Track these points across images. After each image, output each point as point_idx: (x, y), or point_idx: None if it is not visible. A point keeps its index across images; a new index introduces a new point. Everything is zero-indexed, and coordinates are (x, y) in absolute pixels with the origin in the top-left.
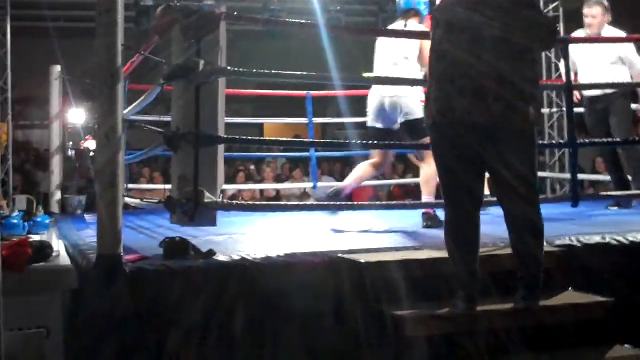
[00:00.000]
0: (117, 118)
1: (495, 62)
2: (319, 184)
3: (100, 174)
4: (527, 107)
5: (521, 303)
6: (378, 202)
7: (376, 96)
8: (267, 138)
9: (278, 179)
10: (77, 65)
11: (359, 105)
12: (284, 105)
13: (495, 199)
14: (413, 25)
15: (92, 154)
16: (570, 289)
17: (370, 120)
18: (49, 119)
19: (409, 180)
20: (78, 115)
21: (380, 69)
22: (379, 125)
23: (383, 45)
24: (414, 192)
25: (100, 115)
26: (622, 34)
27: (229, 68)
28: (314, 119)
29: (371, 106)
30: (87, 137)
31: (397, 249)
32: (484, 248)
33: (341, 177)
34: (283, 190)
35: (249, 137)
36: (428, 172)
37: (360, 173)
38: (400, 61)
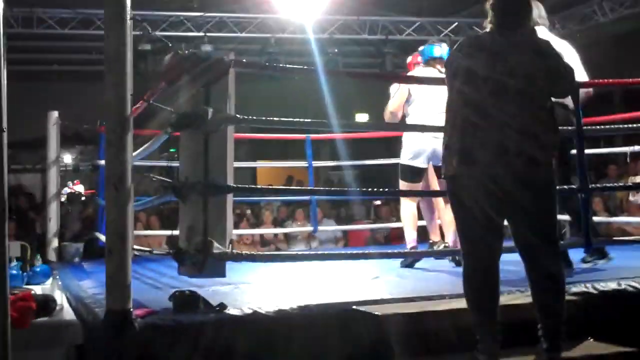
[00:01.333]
0: (126, 168)
1: (517, 113)
2: (320, 227)
3: (110, 226)
4: (550, 158)
5: (544, 355)
6: (405, 251)
7: (428, 138)
8: (277, 187)
9: (275, 222)
10: (69, 109)
11: (354, 147)
12: (277, 147)
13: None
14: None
15: (82, 198)
16: (590, 338)
17: (414, 159)
18: (41, 162)
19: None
20: (68, 158)
21: (426, 116)
22: (423, 166)
23: (424, 94)
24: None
25: (108, 165)
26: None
27: (238, 116)
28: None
29: (419, 147)
30: (75, 181)
31: (410, 299)
32: (503, 296)
33: (339, 220)
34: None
35: (259, 186)
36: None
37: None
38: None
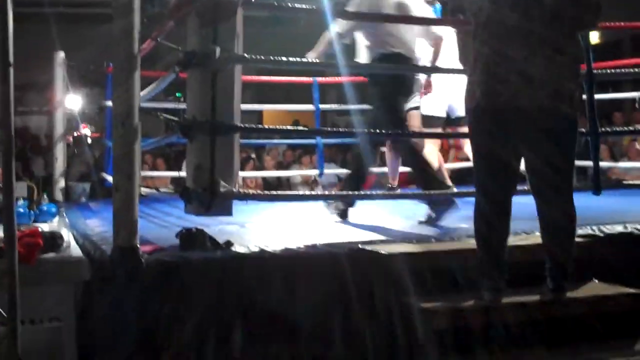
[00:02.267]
0: (134, 106)
1: (544, 42)
2: (325, 170)
3: (117, 163)
4: (574, 92)
5: (549, 294)
6: (406, 192)
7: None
8: (285, 127)
9: (279, 166)
10: (75, 51)
11: (359, 92)
12: (282, 92)
13: (526, 187)
14: None
15: (89, 140)
16: (594, 280)
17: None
18: (48, 104)
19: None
20: (75, 102)
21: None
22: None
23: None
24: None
25: (116, 104)
26: None
27: (246, 55)
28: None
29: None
30: (82, 125)
31: (416, 240)
32: (510, 237)
33: (344, 165)
34: (289, 179)
35: (266, 126)
36: None
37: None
38: None
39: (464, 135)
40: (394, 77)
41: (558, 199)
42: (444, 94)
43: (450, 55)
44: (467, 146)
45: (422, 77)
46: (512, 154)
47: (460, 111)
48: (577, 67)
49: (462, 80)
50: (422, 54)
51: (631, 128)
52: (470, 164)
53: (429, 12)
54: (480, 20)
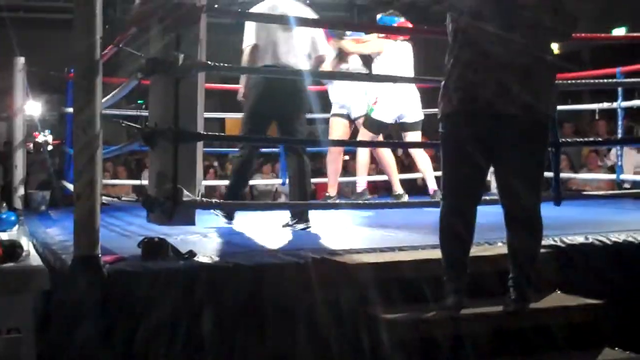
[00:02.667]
0: (95, 112)
1: (522, 52)
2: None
3: (78, 171)
4: (550, 100)
5: (512, 305)
6: (359, 201)
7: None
8: (248, 135)
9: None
10: (35, 57)
11: (321, 100)
12: None
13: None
14: None
15: (49, 147)
16: (557, 291)
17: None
18: (7, 111)
19: (377, 177)
20: (34, 108)
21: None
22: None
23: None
24: (382, 188)
25: (77, 110)
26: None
27: (209, 62)
28: None
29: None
30: (35, 134)
31: (381, 249)
32: (473, 248)
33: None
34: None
35: (227, 134)
36: None
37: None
38: None
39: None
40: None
41: (527, 205)
42: (395, 102)
43: (401, 65)
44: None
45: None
46: (484, 162)
47: (409, 118)
48: (554, 76)
49: (412, 89)
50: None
51: (591, 139)
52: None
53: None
54: (459, 25)
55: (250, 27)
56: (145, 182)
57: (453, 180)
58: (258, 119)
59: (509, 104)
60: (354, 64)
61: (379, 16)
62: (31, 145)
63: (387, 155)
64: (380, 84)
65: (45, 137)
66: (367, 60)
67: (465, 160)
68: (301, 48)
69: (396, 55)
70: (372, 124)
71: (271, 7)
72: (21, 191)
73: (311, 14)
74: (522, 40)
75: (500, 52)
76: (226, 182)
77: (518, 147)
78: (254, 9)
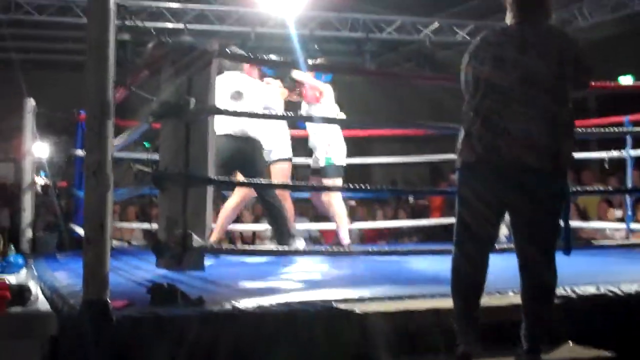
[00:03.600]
0: (106, 155)
1: (545, 102)
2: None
3: (88, 214)
4: (570, 151)
5: (523, 357)
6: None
7: None
8: (258, 181)
9: (256, 220)
10: (42, 98)
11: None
12: None
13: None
14: None
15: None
16: (569, 342)
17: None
18: (16, 153)
19: (381, 223)
20: (42, 150)
21: None
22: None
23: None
24: (388, 234)
25: (88, 152)
26: None
27: (220, 107)
28: None
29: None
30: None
31: (390, 298)
32: (483, 298)
33: (315, 220)
34: (259, 231)
35: (241, 180)
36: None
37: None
38: None
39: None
40: None
41: (543, 259)
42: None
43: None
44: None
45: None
46: (500, 210)
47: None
48: (573, 127)
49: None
50: None
51: (601, 188)
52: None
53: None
54: (479, 73)
55: None
56: (155, 225)
57: (468, 227)
58: None
59: (534, 155)
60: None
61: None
62: (39, 188)
63: (340, 203)
64: (330, 129)
65: (44, 179)
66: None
67: (483, 209)
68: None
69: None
70: (335, 171)
71: None
72: (29, 234)
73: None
74: (546, 90)
75: (524, 101)
76: (237, 227)
77: (538, 198)
78: None
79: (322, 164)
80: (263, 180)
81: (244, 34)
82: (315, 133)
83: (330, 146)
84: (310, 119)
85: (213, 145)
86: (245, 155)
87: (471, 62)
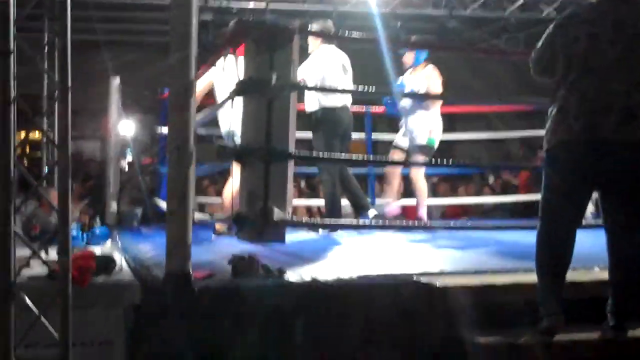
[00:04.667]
0: (189, 131)
1: None
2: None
3: (171, 189)
4: None
5: (610, 332)
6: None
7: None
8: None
9: None
10: (127, 77)
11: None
12: None
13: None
14: None
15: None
16: None
17: None
18: (102, 130)
19: (465, 200)
20: (128, 128)
21: None
22: None
23: None
24: (470, 211)
25: (172, 128)
26: None
27: (301, 83)
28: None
29: None
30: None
31: (473, 272)
32: (569, 272)
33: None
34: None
35: (320, 154)
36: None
37: None
38: None
39: None
40: None
41: (634, 236)
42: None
43: None
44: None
45: None
46: (593, 187)
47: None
48: None
49: None
50: None
51: None
52: None
53: None
54: (575, 51)
55: None
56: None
57: (559, 205)
58: None
59: (634, 131)
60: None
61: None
62: (125, 164)
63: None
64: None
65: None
66: None
67: (577, 187)
68: None
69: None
70: (429, 151)
71: None
72: (114, 207)
73: None
74: None
75: (623, 77)
76: (316, 201)
77: (634, 175)
78: None
79: (422, 142)
80: (344, 155)
81: (326, 13)
82: (416, 112)
83: (434, 126)
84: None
85: (294, 120)
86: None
87: (559, 39)
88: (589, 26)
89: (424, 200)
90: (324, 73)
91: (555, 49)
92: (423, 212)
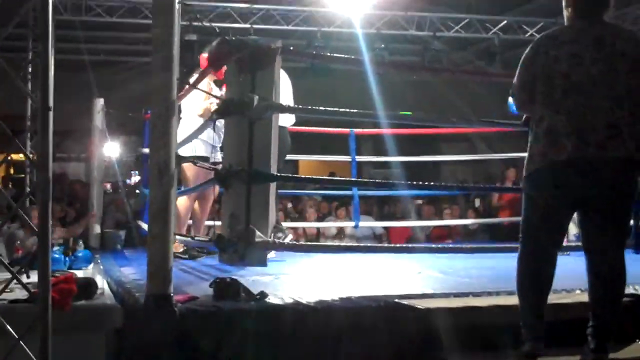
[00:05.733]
0: (171, 152)
1: (626, 95)
2: (361, 223)
3: (153, 211)
4: None
5: (590, 355)
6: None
7: None
8: (321, 177)
9: (319, 218)
10: (112, 98)
11: (398, 143)
12: (319, 143)
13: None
14: None
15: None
16: (638, 341)
17: None
18: (87, 151)
19: (450, 222)
20: (113, 149)
21: None
22: None
23: None
24: (455, 233)
25: (153, 149)
26: None
27: (283, 104)
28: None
29: None
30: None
31: (454, 295)
32: (551, 295)
33: (381, 218)
34: (322, 229)
35: (299, 175)
36: None
37: None
38: None
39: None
40: None
41: (614, 255)
42: None
43: None
44: None
45: None
46: (573, 210)
47: None
48: None
49: None
50: None
51: None
52: None
53: None
54: (559, 70)
55: None
56: (218, 222)
57: (540, 226)
58: None
59: (622, 148)
60: None
61: None
62: (109, 186)
63: None
64: None
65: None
66: None
67: (560, 208)
68: None
69: None
70: None
71: None
72: (97, 230)
73: None
74: (625, 85)
75: (605, 94)
76: (300, 224)
77: (620, 191)
78: None
79: None
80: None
81: (311, 33)
82: None
83: None
84: None
85: (276, 142)
86: None
87: (540, 61)
88: (569, 46)
89: None
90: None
91: (536, 71)
92: None
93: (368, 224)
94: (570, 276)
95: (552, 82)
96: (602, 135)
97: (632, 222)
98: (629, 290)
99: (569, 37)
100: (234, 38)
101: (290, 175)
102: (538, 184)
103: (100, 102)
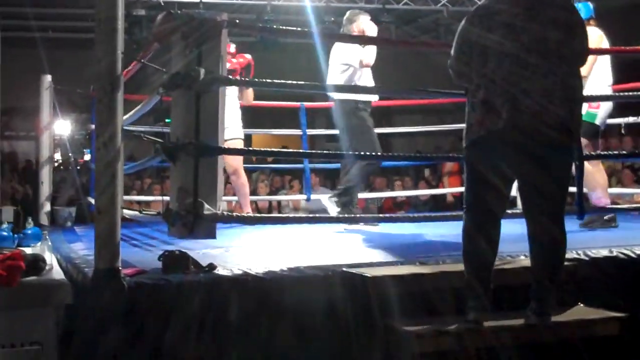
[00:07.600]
0: (116, 127)
1: (558, 65)
2: (313, 196)
3: (99, 186)
4: (580, 117)
5: (533, 318)
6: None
7: None
8: (270, 149)
9: (271, 192)
10: (63, 76)
11: None
12: (271, 117)
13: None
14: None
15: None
16: (580, 304)
17: None
18: (35, 129)
19: (402, 193)
20: (64, 127)
21: None
22: None
23: None
24: (405, 204)
25: (99, 124)
26: None
27: (230, 77)
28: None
29: None
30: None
31: (402, 263)
32: (496, 260)
33: (333, 190)
34: (276, 203)
35: (247, 148)
36: None
37: None
38: None
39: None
40: None
41: (552, 221)
42: None
43: None
44: None
45: None
46: (512, 179)
47: None
48: (582, 92)
49: None
50: None
51: (617, 152)
52: None
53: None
54: (492, 40)
55: None
56: (166, 197)
57: (483, 195)
58: None
59: (554, 114)
60: None
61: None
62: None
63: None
64: None
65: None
66: None
67: (501, 176)
68: None
69: None
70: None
71: None
72: (47, 207)
73: None
74: (557, 55)
75: (537, 62)
76: (253, 198)
77: (551, 168)
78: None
79: None
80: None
81: (260, 6)
82: None
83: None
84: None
85: (224, 115)
86: None
87: (474, 30)
88: (501, 16)
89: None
90: None
91: (471, 41)
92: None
93: (319, 196)
94: (515, 241)
95: (487, 51)
96: (536, 104)
97: (576, 189)
98: (572, 254)
99: (502, 8)
100: (179, 11)
101: (236, 148)
102: (476, 153)
103: (47, 79)
